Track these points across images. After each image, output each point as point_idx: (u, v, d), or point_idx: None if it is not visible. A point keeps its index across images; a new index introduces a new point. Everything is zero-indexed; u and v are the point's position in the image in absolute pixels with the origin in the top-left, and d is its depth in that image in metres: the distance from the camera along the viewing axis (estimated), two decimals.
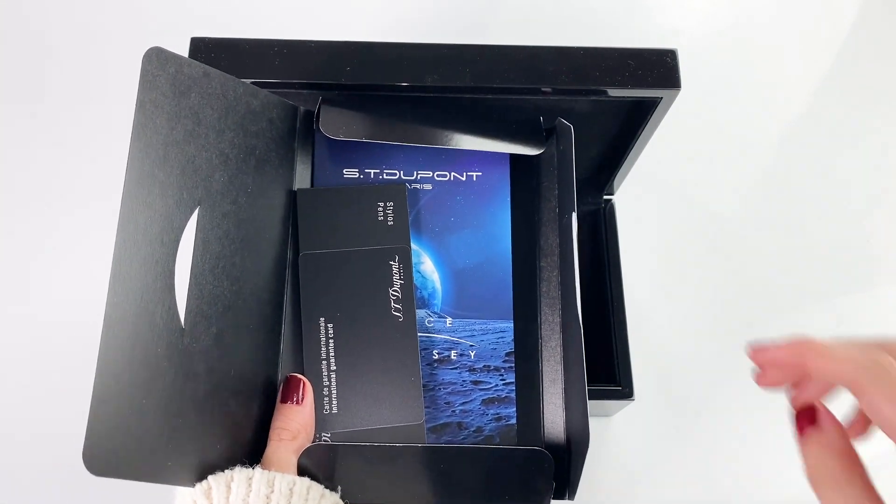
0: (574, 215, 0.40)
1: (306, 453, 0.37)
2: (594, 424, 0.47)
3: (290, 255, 0.41)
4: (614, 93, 0.42)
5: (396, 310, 0.40)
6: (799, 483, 0.27)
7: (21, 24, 0.70)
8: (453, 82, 0.41)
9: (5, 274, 0.61)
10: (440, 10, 0.71)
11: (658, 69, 0.42)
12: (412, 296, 0.41)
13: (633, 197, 0.61)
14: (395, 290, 0.40)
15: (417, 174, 0.44)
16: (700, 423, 0.58)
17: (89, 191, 0.63)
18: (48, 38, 0.69)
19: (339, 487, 0.36)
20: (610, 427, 0.58)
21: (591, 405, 0.50)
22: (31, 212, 0.63)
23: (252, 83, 0.40)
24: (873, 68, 0.70)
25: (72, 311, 0.57)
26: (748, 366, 0.29)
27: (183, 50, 0.40)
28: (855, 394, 0.25)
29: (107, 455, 0.29)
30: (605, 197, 0.57)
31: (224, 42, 0.41)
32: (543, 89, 0.41)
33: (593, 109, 0.45)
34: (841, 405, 0.28)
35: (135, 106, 0.32)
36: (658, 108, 0.43)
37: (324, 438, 0.39)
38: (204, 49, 0.41)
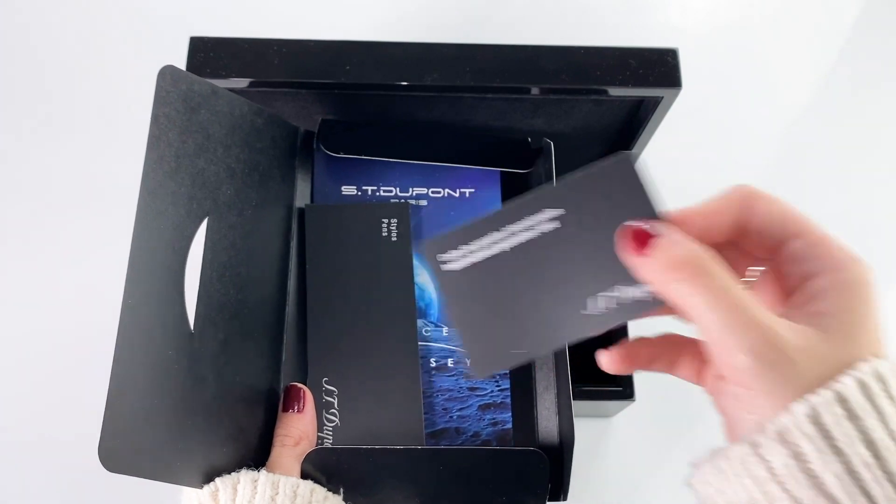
0: None
1: (309, 458, 0.38)
2: (595, 425, 0.47)
3: (292, 267, 0.42)
4: (615, 92, 0.42)
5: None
6: None
7: (17, 23, 0.70)
8: (453, 82, 0.41)
9: (21, 277, 0.62)
10: (440, 10, 0.70)
11: (659, 68, 0.41)
12: (414, 307, 0.42)
13: None
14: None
15: (413, 191, 0.46)
16: (701, 424, 0.58)
17: (102, 197, 0.64)
18: (48, 38, 0.69)
19: (342, 490, 0.37)
20: (610, 428, 0.57)
21: (592, 406, 0.51)
22: (46, 217, 0.64)
23: (252, 83, 0.40)
24: (874, 67, 0.70)
25: (85, 313, 0.57)
26: None
27: (182, 48, 0.40)
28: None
29: (120, 452, 0.30)
30: None
31: (223, 41, 0.41)
32: (543, 88, 0.41)
33: (594, 109, 0.45)
34: None
35: (150, 119, 0.33)
36: (659, 107, 0.43)
37: (325, 443, 0.40)
38: (203, 48, 0.41)
